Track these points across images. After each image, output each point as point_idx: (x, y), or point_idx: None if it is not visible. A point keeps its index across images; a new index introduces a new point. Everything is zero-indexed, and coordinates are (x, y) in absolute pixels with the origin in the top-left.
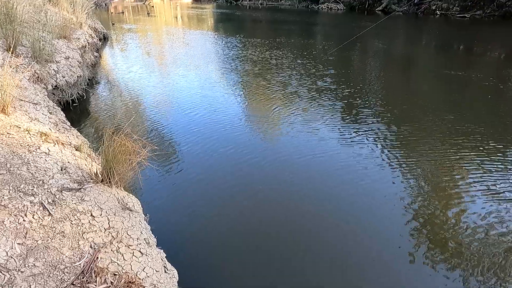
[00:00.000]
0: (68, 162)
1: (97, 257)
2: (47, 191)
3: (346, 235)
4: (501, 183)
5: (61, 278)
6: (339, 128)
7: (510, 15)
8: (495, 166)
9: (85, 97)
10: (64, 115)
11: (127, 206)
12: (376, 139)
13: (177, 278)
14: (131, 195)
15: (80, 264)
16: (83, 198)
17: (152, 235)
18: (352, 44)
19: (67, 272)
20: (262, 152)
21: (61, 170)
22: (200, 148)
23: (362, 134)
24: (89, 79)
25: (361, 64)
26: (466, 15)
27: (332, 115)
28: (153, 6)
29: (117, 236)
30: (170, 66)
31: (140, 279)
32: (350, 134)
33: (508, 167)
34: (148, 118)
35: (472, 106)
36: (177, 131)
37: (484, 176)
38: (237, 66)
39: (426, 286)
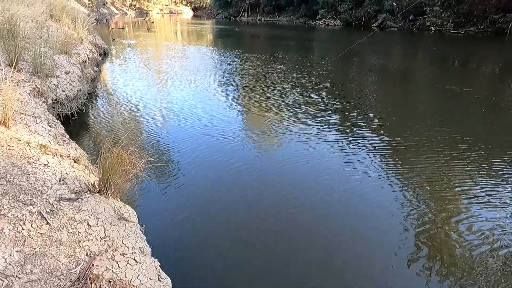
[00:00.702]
0: (67, 173)
1: (93, 265)
2: (46, 201)
3: (340, 244)
4: (494, 193)
5: (58, 285)
6: (333, 139)
7: (503, 32)
8: (488, 176)
9: (84, 111)
10: (64, 128)
11: (123, 216)
12: (370, 150)
13: (171, 286)
14: (127, 205)
15: (76, 271)
16: (80, 208)
17: (147, 244)
18: (348, 59)
19: (63, 279)
20: (258, 164)
21: (60, 181)
22: (196, 160)
23: (356, 146)
24: (88, 93)
25: (357, 78)
26: (460, 31)
27: (326, 127)
28: (153, 22)
29: (112, 244)
30: (169, 80)
31: (134, 286)
32: (344, 145)
33: (500, 177)
34: (146, 130)
35: (465, 119)
36: (174, 144)
37: (477, 187)
38: (234, 80)
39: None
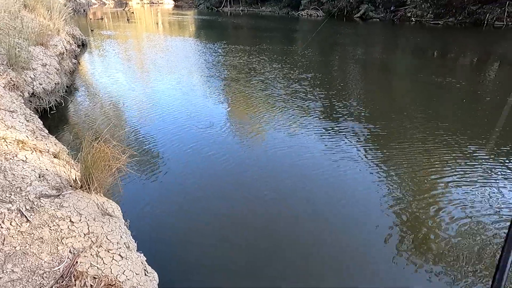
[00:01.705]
0: (46, 169)
1: (77, 262)
2: (25, 198)
3: (326, 232)
4: (469, 177)
5: (40, 283)
6: (315, 128)
7: (480, 22)
8: (465, 161)
9: (63, 104)
10: (42, 122)
11: (107, 212)
12: (352, 137)
13: (158, 280)
14: (110, 200)
15: (59, 268)
16: (61, 204)
17: (133, 239)
18: (331, 50)
19: (46, 277)
20: (241, 155)
21: (39, 177)
22: (180, 153)
23: (337, 133)
24: (67, 86)
25: (339, 69)
26: (439, 22)
27: (308, 116)
28: (133, 12)
29: (96, 241)
30: (151, 72)
31: (120, 281)
32: (326, 133)
33: (480, 163)
34: (128, 124)
35: (445, 107)
36: (157, 136)
37: (454, 171)
38: (217, 71)
39: (405, 278)
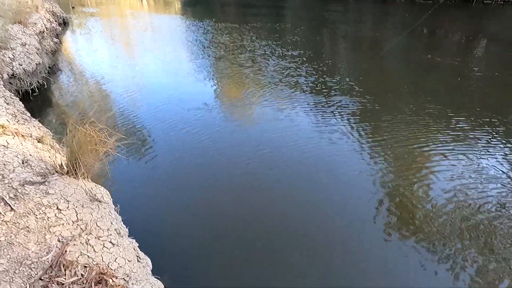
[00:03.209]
0: (30, 154)
1: (66, 251)
2: (8, 186)
3: (318, 211)
4: (465, 160)
5: (28, 274)
6: (307, 105)
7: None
8: (457, 136)
9: (46, 86)
10: (23, 105)
11: (96, 197)
12: (342, 113)
13: (151, 266)
14: (99, 186)
15: (47, 258)
16: (47, 191)
17: (124, 225)
18: (320, 28)
19: (34, 268)
20: (232, 138)
21: (22, 163)
22: (170, 136)
23: (328, 110)
24: (49, 67)
25: (328, 46)
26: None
27: (300, 93)
28: None
29: (86, 228)
30: (136, 52)
31: (112, 269)
32: (317, 109)
33: (473, 143)
34: (114, 106)
35: (434, 84)
36: (145, 119)
37: (443, 147)
38: (205, 50)
39: (394, 255)
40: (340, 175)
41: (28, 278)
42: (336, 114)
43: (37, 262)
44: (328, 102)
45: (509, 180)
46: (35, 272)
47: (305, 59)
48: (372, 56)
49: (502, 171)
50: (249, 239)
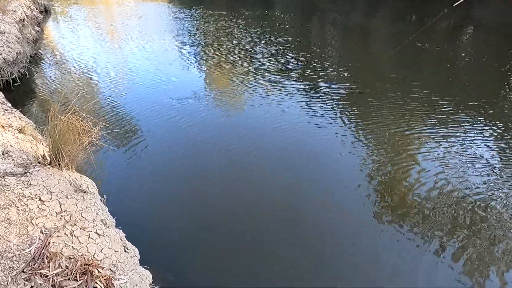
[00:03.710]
0: (11, 145)
1: (49, 242)
2: None
3: (306, 197)
4: (451, 143)
5: (10, 267)
6: (295, 91)
7: None
8: (446, 121)
9: (27, 76)
10: (4, 95)
11: (81, 188)
12: (330, 99)
13: (139, 256)
14: (84, 176)
15: (30, 250)
16: (29, 182)
17: (110, 216)
18: (308, 14)
19: (16, 260)
20: (219, 126)
21: (2, 154)
22: (156, 125)
23: (316, 95)
24: (31, 56)
25: (317, 33)
26: None
27: (288, 80)
28: None
29: (70, 219)
30: (122, 40)
31: (97, 260)
32: (306, 95)
33: (459, 128)
34: (98, 95)
35: (422, 70)
36: (130, 108)
37: (430, 132)
38: (193, 38)
39: (384, 234)
40: (328, 160)
41: (10, 271)
42: (324, 100)
43: (19, 255)
44: (316, 88)
45: (493, 161)
46: (17, 265)
47: (293, 46)
48: (361, 43)
49: (486, 152)
50: (236, 227)
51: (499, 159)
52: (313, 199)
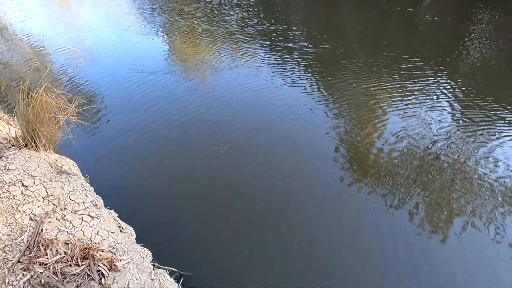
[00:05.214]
0: None
1: (42, 229)
2: None
3: (280, 160)
4: (415, 96)
5: (4, 258)
6: (263, 57)
7: None
8: (413, 82)
9: None
10: None
11: (63, 170)
12: (304, 63)
13: (135, 235)
14: (64, 157)
15: (23, 239)
16: (7, 167)
17: (98, 196)
18: None
19: (9, 251)
20: (193, 97)
21: None
22: (130, 98)
23: (286, 61)
24: None
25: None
26: None
27: (256, 45)
28: None
29: (59, 203)
30: (81, 11)
31: (96, 243)
32: (275, 61)
33: (424, 82)
34: (67, 70)
35: (394, 33)
36: (101, 82)
37: (399, 98)
38: (159, 10)
39: (350, 196)
40: (297, 117)
41: (5, 262)
42: (294, 61)
43: (11, 245)
44: (285, 50)
45: (456, 117)
46: (12, 255)
47: (261, 9)
48: (329, 8)
49: (449, 107)
50: (214, 185)
51: (459, 108)
52: (282, 155)
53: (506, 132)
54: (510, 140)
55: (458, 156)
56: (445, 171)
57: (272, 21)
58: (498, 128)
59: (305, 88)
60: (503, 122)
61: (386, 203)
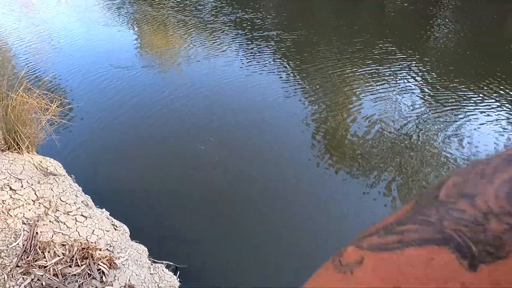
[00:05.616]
0: None
1: (36, 232)
2: None
3: (254, 138)
4: (386, 80)
5: (1, 264)
6: (234, 45)
7: None
8: (384, 66)
9: None
10: None
11: (49, 171)
12: (279, 57)
13: (129, 232)
14: (48, 158)
15: (18, 244)
16: None
17: (87, 195)
18: None
19: (5, 256)
20: (169, 90)
21: None
22: (104, 93)
23: (266, 55)
24: None
25: None
26: None
27: (234, 33)
28: None
29: (50, 205)
30: (45, 6)
31: (93, 242)
32: (254, 56)
33: (395, 66)
34: (35, 67)
35: (364, 19)
36: (72, 79)
37: (375, 76)
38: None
39: (326, 177)
40: (272, 103)
41: (3, 268)
42: (270, 49)
43: (7, 250)
44: (261, 39)
45: (426, 99)
46: (9, 260)
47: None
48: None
49: (418, 90)
50: (211, 185)
51: (428, 91)
52: (260, 144)
53: (472, 112)
54: (475, 119)
55: (428, 136)
56: (416, 150)
57: (247, 9)
58: (465, 108)
59: (281, 77)
60: (469, 102)
61: (363, 185)
